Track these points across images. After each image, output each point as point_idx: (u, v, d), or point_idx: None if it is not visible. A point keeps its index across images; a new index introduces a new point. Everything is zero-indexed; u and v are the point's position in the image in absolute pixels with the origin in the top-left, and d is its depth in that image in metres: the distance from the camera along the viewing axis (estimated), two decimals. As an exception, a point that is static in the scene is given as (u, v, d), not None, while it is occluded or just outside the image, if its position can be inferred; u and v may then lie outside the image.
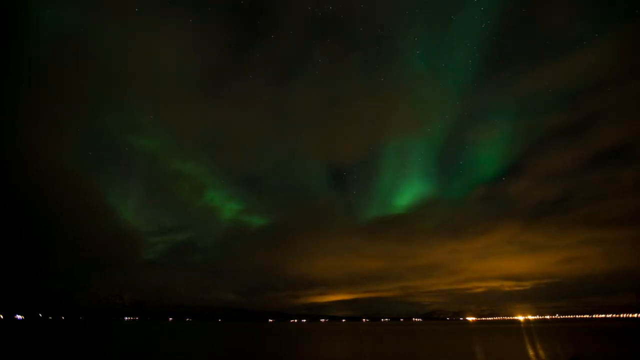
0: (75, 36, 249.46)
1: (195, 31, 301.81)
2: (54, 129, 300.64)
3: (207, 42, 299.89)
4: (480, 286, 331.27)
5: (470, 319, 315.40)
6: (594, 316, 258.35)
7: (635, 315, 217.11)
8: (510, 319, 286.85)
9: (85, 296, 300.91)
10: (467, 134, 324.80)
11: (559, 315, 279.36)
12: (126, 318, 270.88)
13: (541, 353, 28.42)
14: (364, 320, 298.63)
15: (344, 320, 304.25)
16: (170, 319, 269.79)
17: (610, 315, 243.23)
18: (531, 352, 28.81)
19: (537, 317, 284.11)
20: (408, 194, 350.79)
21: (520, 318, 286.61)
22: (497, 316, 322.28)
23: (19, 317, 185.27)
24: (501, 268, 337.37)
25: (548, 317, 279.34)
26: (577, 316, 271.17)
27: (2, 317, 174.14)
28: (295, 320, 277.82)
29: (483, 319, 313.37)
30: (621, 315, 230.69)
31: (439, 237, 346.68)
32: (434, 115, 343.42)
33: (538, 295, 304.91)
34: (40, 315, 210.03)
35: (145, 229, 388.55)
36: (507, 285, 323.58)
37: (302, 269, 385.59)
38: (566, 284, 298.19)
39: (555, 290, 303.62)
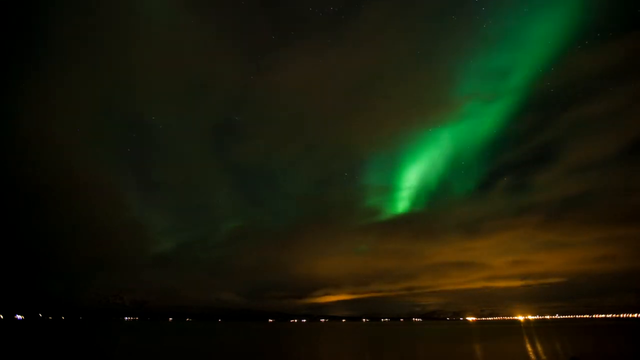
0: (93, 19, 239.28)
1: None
2: (54, 124, 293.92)
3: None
4: (487, 286, 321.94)
5: (470, 319, 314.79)
6: (594, 316, 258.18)
7: (635, 315, 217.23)
8: (510, 319, 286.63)
9: (85, 296, 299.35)
10: (487, 127, 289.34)
11: (559, 315, 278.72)
12: (126, 318, 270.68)
13: (541, 353, 28.41)
14: (364, 320, 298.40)
15: (343, 320, 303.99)
16: (170, 319, 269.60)
17: (610, 315, 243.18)
18: (531, 352, 28.81)
19: (537, 317, 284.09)
20: (424, 189, 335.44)
21: (520, 318, 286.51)
22: (497, 316, 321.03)
23: (19, 317, 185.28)
24: (511, 267, 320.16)
25: (548, 317, 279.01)
26: (577, 316, 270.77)
27: (2, 317, 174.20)
28: (295, 321, 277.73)
29: (483, 319, 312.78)
30: (621, 315, 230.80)
31: (453, 235, 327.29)
32: (454, 107, 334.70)
33: (540, 295, 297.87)
34: (40, 315, 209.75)
35: (148, 227, 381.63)
36: (513, 285, 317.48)
37: (308, 269, 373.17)
38: (571, 284, 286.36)
39: (558, 290, 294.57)
